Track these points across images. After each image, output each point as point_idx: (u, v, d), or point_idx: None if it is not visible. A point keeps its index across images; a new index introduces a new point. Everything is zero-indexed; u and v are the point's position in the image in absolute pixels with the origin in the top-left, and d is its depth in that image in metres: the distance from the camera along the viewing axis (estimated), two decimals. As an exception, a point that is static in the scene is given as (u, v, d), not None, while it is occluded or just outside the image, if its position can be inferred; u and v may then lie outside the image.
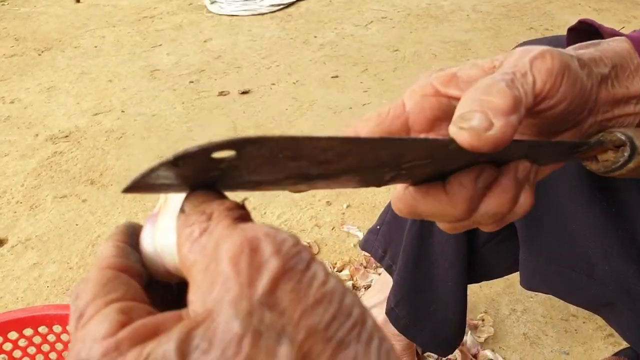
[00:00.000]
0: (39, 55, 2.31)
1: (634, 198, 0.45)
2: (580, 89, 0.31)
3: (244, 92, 1.87)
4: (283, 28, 2.48)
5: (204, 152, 0.20)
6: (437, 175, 0.30)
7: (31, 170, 1.49)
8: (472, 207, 0.30)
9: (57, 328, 0.82)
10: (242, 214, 0.21)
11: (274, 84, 1.93)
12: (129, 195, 1.36)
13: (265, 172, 0.23)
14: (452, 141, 0.27)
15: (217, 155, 0.20)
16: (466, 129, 0.26)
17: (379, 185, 0.30)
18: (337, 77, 1.98)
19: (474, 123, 0.26)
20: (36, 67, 2.19)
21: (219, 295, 0.17)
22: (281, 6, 2.74)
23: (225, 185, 0.24)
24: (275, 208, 1.29)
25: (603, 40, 0.36)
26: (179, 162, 0.21)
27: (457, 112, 0.28)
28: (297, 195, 1.33)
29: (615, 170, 0.34)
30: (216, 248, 0.19)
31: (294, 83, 1.94)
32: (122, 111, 1.79)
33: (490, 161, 0.30)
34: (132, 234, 0.25)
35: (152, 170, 0.21)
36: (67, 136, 1.66)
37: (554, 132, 0.34)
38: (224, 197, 0.23)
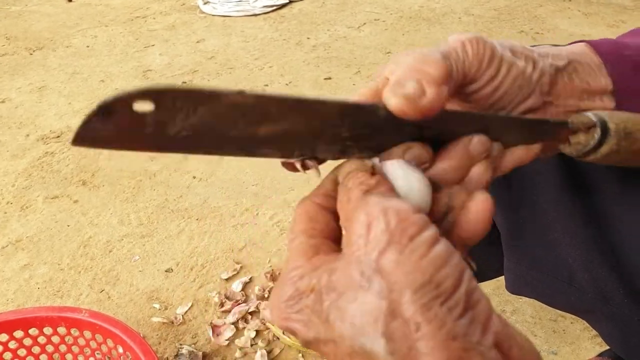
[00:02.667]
0: (31, 54, 2.30)
1: (616, 208, 0.46)
2: (513, 73, 0.33)
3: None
4: (276, 29, 2.48)
5: (122, 101, 0.24)
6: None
7: (22, 171, 1.48)
8: None
9: (47, 330, 0.82)
10: (372, 184, 0.28)
11: (266, 85, 1.93)
12: (121, 196, 1.36)
13: (191, 127, 0.26)
14: (382, 107, 0.28)
15: (139, 107, 0.24)
16: (399, 95, 0.28)
17: (333, 158, 0.31)
18: (329, 78, 1.98)
19: (408, 90, 0.28)
20: (27, 66, 2.18)
21: (351, 251, 0.26)
22: (274, 7, 2.74)
23: (161, 144, 0.27)
24: (267, 209, 1.29)
25: (562, 45, 0.38)
26: (103, 112, 0.24)
27: (393, 78, 0.29)
28: (289, 196, 1.33)
29: (590, 154, 0.34)
30: (352, 215, 0.27)
31: (287, 84, 1.94)
32: (114, 111, 1.78)
33: (441, 137, 0.32)
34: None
35: (86, 122, 0.24)
36: (58, 136, 1.65)
37: None
38: (361, 169, 0.29)
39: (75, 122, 1.72)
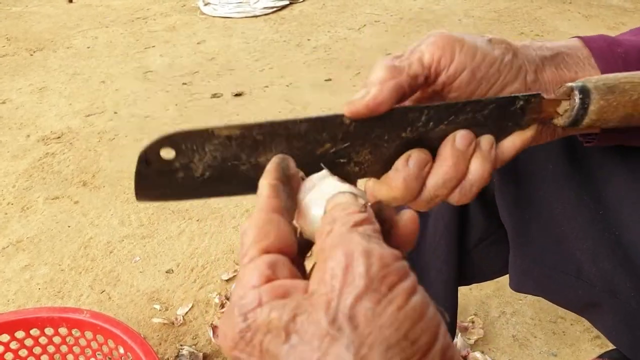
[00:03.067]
0: (31, 55, 2.30)
1: (623, 202, 0.47)
2: (484, 59, 0.35)
3: (237, 95, 1.88)
4: (276, 30, 2.49)
5: (150, 149, 0.32)
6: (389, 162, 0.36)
7: (22, 172, 1.48)
8: (411, 186, 0.34)
9: (49, 330, 0.82)
10: (359, 220, 0.26)
11: (267, 87, 1.93)
12: (122, 197, 1.36)
13: (209, 167, 0.33)
14: (344, 116, 0.34)
15: (165, 155, 0.32)
16: (349, 102, 0.33)
17: (349, 176, 0.35)
18: (330, 80, 1.99)
19: (356, 96, 0.33)
20: (28, 67, 2.18)
21: (322, 292, 0.23)
22: (274, 9, 2.74)
23: (196, 189, 0.34)
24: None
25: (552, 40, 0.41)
26: (144, 161, 0.32)
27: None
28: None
29: (582, 117, 0.35)
30: (330, 250, 0.24)
31: (287, 86, 1.95)
32: (115, 112, 1.79)
33: (426, 143, 0.35)
34: (284, 168, 0.31)
35: (137, 173, 0.33)
36: (59, 137, 1.65)
37: None
38: (352, 202, 0.28)
39: (76, 122, 1.73)
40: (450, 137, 0.35)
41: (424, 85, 0.36)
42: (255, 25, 2.56)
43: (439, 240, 0.66)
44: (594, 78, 0.35)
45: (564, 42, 0.40)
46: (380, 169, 0.36)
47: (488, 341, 0.99)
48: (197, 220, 1.27)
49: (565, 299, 0.57)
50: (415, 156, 0.34)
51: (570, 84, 0.35)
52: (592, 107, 0.34)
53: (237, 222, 1.26)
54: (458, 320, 0.84)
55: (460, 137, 0.34)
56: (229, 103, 1.83)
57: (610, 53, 0.39)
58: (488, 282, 1.08)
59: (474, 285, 1.07)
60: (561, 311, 1.04)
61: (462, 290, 1.01)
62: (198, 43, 2.37)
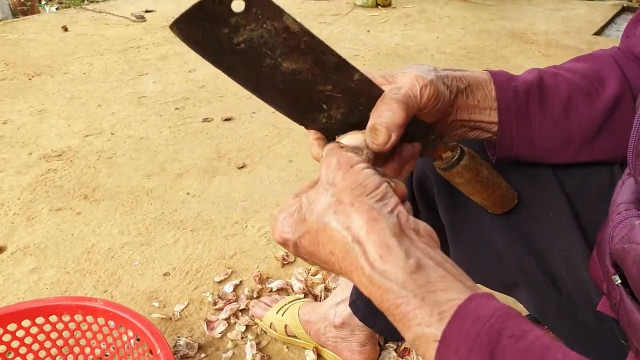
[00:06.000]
0: (30, 79, 2.43)
1: (523, 207, 0.63)
2: (444, 101, 0.50)
3: (227, 119, 2.03)
4: (263, 62, 2.66)
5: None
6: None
7: (26, 186, 1.60)
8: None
9: (65, 317, 0.94)
10: (334, 148, 0.45)
11: (254, 112, 2.09)
12: (121, 209, 1.49)
13: (249, 41, 0.37)
14: (358, 73, 0.45)
15: (235, 7, 0.35)
16: (375, 143, 0.46)
17: (313, 122, 0.46)
18: (312, 108, 2.15)
19: (380, 138, 0.45)
20: (27, 90, 2.30)
21: (319, 180, 0.43)
22: (261, 41, 2.92)
23: (223, 51, 0.38)
24: (255, 222, 1.43)
25: (470, 70, 0.56)
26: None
27: (373, 114, 0.46)
28: (275, 211, 1.47)
29: (453, 165, 0.54)
30: (322, 162, 0.44)
31: (273, 112, 2.11)
32: (112, 133, 1.92)
33: None
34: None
35: (198, 5, 0.34)
36: (59, 155, 1.77)
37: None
38: (337, 146, 0.46)
39: (76, 142, 1.85)
40: (399, 149, 0.50)
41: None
42: (243, 56, 2.73)
43: None
44: (467, 147, 0.55)
45: (477, 74, 0.55)
46: (336, 130, 0.47)
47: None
48: (191, 230, 1.40)
49: (494, 281, 0.71)
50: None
51: (454, 144, 0.54)
52: (462, 162, 0.54)
53: (227, 232, 1.39)
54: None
55: (406, 151, 0.50)
56: (219, 127, 1.98)
57: (507, 86, 0.55)
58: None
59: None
60: (515, 307, 1.19)
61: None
62: (189, 71, 2.52)
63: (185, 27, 0.35)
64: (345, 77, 0.44)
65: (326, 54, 0.41)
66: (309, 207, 0.41)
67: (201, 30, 0.35)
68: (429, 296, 0.35)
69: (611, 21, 3.62)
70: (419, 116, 0.50)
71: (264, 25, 0.36)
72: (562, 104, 0.57)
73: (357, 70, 0.44)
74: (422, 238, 0.39)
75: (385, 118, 0.45)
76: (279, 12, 0.36)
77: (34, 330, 0.94)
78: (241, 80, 0.42)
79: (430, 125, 0.51)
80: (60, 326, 0.95)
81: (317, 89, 0.43)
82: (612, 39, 3.21)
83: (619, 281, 0.49)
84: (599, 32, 3.31)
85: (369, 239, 0.37)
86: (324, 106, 0.45)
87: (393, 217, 0.38)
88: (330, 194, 0.40)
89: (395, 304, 0.36)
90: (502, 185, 0.59)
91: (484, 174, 0.56)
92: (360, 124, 0.47)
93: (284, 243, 0.43)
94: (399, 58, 2.73)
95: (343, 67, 0.43)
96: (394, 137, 0.45)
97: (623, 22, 3.66)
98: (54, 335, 0.95)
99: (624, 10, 3.87)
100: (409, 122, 0.47)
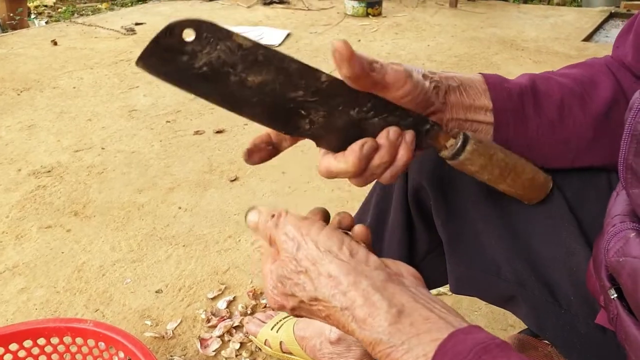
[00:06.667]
0: (18, 94, 2.40)
1: (523, 216, 0.62)
2: (420, 90, 0.49)
3: (219, 132, 2.02)
4: (254, 73, 2.65)
5: (180, 25, 0.37)
6: (342, 146, 0.48)
7: (15, 203, 1.57)
8: (362, 164, 0.48)
9: (54, 340, 0.91)
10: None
11: (246, 125, 2.08)
12: (112, 225, 1.46)
13: (210, 64, 0.39)
14: (325, 74, 0.44)
15: (185, 36, 0.37)
16: (340, 42, 0.44)
17: (297, 130, 0.47)
18: (304, 118, 2.15)
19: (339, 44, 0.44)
20: (16, 106, 2.28)
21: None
22: (252, 52, 2.92)
23: (187, 77, 0.40)
24: (248, 236, 1.41)
25: (464, 74, 0.56)
26: (167, 32, 0.37)
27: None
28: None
29: (459, 155, 0.51)
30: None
31: (265, 124, 2.10)
32: (103, 148, 1.90)
33: (363, 128, 0.48)
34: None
35: (155, 39, 0.37)
36: (49, 171, 1.75)
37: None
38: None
39: (65, 157, 1.83)
40: (385, 131, 0.48)
41: (379, 86, 0.49)
42: (234, 68, 2.73)
43: (393, 255, 0.78)
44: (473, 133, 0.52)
45: (470, 76, 0.55)
46: (322, 134, 0.48)
47: (447, 347, 1.11)
48: (183, 246, 1.38)
49: (492, 295, 0.70)
50: (369, 143, 0.48)
51: (457, 131, 0.52)
52: (468, 148, 0.51)
53: (220, 247, 1.37)
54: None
55: (392, 131, 0.49)
56: (210, 139, 1.96)
57: (500, 87, 0.55)
58: (446, 296, 1.22)
59: (434, 298, 1.21)
60: (510, 321, 1.18)
61: (423, 302, 1.14)
62: (180, 84, 2.51)
63: (149, 61, 0.39)
64: (313, 80, 0.44)
65: (285, 62, 0.42)
66: (291, 282, 0.43)
67: (163, 61, 0.38)
68: (413, 340, 0.38)
69: (600, 27, 3.66)
70: (399, 102, 0.50)
71: (218, 47, 0.38)
72: (557, 107, 0.57)
73: (322, 73, 0.44)
74: (406, 279, 0.42)
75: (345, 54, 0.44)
76: (228, 33, 0.39)
77: (22, 353, 0.91)
78: (216, 101, 0.43)
79: (420, 115, 0.50)
80: (49, 349, 0.92)
81: (289, 97, 0.44)
82: (601, 45, 3.24)
83: (615, 295, 0.48)
84: (587, 38, 3.33)
85: (354, 303, 0.40)
86: (302, 112, 0.45)
87: (374, 271, 0.41)
88: (305, 267, 0.42)
89: (386, 353, 0.39)
90: (526, 168, 0.56)
91: (498, 156, 0.53)
92: (346, 125, 0.48)
93: (281, 309, 0.46)
94: (390, 67, 2.73)
95: (306, 71, 0.44)
96: (356, 61, 0.43)
97: (611, 28, 3.70)
98: (42, 358, 0.93)
99: (612, 16, 3.91)
100: (394, 110, 0.48)
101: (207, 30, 0.38)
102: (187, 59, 0.38)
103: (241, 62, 0.40)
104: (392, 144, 0.49)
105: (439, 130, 0.52)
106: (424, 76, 0.51)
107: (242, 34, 0.39)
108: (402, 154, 0.49)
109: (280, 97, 0.44)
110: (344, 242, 0.43)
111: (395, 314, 0.39)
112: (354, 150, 0.48)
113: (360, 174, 0.49)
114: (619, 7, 4.10)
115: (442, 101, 0.52)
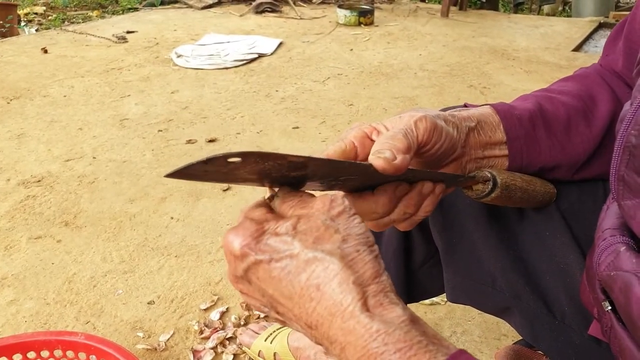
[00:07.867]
0: (8, 103, 2.38)
1: (518, 227, 0.62)
2: (447, 138, 0.49)
3: (211, 141, 2.01)
4: (246, 82, 2.66)
5: (224, 158, 0.34)
6: (363, 188, 0.47)
7: (4, 213, 1.55)
8: (390, 206, 0.47)
9: (44, 353, 0.90)
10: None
11: (239, 133, 2.07)
12: (103, 235, 1.45)
13: (253, 170, 0.37)
14: (371, 166, 0.43)
15: (231, 159, 0.34)
16: (381, 158, 0.43)
17: (330, 189, 0.46)
18: (297, 127, 2.15)
19: (386, 155, 0.43)
20: (5, 114, 2.26)
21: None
22: (244, 62, 2.93)
23: (232, 177, 0.38)
24: (241, 246, 1.41)
25: (472, 106, 0.55)
26: (205, 162, 0.33)
27: (374, 149, 0.45)
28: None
29: (484, 197, 0.52)
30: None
31: (258, 133, 2.10)
32: (94, 157, 1.89)
33: (403, 180, 0.48)
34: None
35: (189, 166, 0.33)
36: (39, 181, 1.73)
37: (439, 165, 0.52)
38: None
39: (56, 167, 1.81)
40: (419, 185, 0.48)
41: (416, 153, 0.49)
42: (226, 77, 2.73)
43: (389, 263, 0.78)
44: (500, 174, 0.52)
45: (481, 110, 0.55)
46: (348, 189, 0.46)
47: (441, 357, 1.11)
48: (176, 256, 1.37)
49: (487, 305, 0.70)
50: (401, 187, 0.47)
51: (488, 175, 0.52)
52: (494, 194, 0.52)
53: (212, 257, 1.36)
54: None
55: (426, 187, 0.48)
56: (203, 148, 1.96)
57: (511, 115, 0.55)
58: (441, 306, 1.22)
59: (428, 308, 1.20)
60: (504, 329, 1.18)
61: (418, 311, 1.14)
62: (172, 92, 2.50)
63: (184, 175, 0.35)
64: (363, 169, 0.43)
65: (341, 166, 0.41)
66: (300, 233, 0.37)
67: (202, 171, 0.34)
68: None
69: (589, 37, 3.70)
70: (428, 162, 0.50)
71: (265, 164, 0.35)
72: (564, 127, 0.58)
73: (370, 165, 0.43)
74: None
75: (386, 144, 0.44)
76: (281, 158, 0.35)
77: (12, 367, 0.89)
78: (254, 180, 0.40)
79: (451, 175, 0.51)
80: (39, 363, 0.91)
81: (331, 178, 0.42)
82: (591, 55, 3.28)
83: (609, 307, 0.48)
84: (577, 48, 3.37)
85: (370, 285, 0.36)
86: (340, 182, 0.44)
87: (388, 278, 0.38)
88: (334, 230, 0.37)
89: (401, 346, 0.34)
90: (537, 194, 0.57)
91: (517, 196, 0.55)
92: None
93: (239, 257, 0.38)
94: (382, 76, 2.75)
95: (355, 166, 0.42)
96: (399, 158, 0.43)
97: (600, 38, 3.74)
98: (33, 372, 0.91)
99: (601, 26, 3.96)
100: (427, 175, 0.47)
101: (255, 157, 0.34)
102: (227, 171, 0.35)
103: (287, 169, 0.37)
104: (421, 197, 0.49)
105: (470, 180, 0.53)
106: (446, 121, 0.50)
107: (296, 155, 0.35)
108: (427, 204, 0.49)
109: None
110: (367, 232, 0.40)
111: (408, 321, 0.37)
112: (386, 191, 0.46)
113: (385, 215, 0.48)
114: (607, 17, 4.16)
115: (463, 144, 0.52)
